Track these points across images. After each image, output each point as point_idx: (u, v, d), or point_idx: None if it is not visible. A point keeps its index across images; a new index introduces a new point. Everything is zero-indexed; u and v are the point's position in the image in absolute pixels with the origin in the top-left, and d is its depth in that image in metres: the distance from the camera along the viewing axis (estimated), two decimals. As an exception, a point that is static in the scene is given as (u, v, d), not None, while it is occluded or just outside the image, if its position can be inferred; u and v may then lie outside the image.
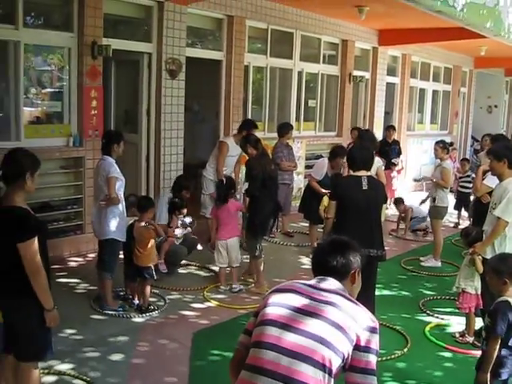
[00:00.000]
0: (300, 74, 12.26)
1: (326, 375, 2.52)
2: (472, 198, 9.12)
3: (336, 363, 2.55)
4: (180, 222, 7.90)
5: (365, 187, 5.77)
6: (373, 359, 2.61)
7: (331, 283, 2.79)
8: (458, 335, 6.14)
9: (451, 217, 11.42)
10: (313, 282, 2.82)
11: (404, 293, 7.62)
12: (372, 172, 7.85)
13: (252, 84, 11.23)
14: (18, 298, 3.90)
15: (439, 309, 6.98)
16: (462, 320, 6.27)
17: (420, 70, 16.94)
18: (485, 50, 15.58)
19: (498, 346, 4.10)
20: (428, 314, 6.80)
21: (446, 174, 8.75)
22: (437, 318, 6.72)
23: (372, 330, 2.64)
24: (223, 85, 10.36)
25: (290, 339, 2.57)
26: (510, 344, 4.16)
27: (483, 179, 7.26)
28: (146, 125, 9.16)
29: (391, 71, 15.44)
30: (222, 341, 5.77)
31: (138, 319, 6.25)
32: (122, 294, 6.83)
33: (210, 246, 7.76)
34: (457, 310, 6.44)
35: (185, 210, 7.91)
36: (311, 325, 2.59)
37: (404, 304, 7.14)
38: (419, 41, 14.17)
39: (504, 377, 4.20)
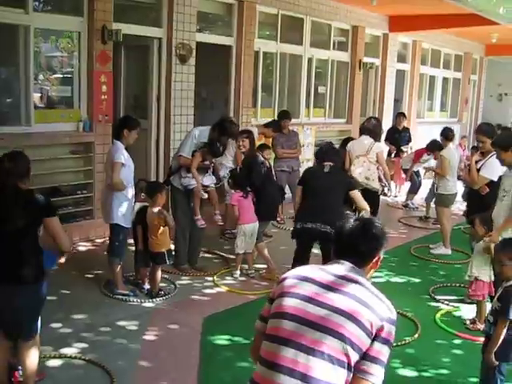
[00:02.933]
0: (310, 60, 12.21)
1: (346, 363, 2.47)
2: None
3: (354, 357, 2.48)
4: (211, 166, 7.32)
5: (326, 170, 6.33)
6: (385, 350, 2.54)
7: (351, 270, 2.67)
8: (468, 322, 6.11)
9: (462, 205, 11.37)
10: (332, 268, 2.69)
11: (414, 280, 7.58)
12: (372, 156, 7.90)
13: (262, 70, 11.18)
14: (35, 283, 4.13)
15: (449, 296, 6.96)
16: (473, 307, 6.25)
17: (430, 56, 16.84)
18: (496, 37, 15.49)
19: (504, 329, 4.16)
20: (438, 301, 6.78)
21: (442, 162, 8.75)
22: (447, 304, 6.70)
23: (390, 321, 2.56)
24: (233, 71, 10.33)
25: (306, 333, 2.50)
26: None
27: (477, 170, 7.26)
28: (156, 110, 9.14)
29: (401, 58, 15.36)
30: (232, 326, 5.78)
31: (148, 304, 6.25)
32: (132, 278, 6.83)
33: (226, 232, 7.75)
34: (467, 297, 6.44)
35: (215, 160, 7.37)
36: (327, 319, 2.50)
37: (414, 291, 7.12)
38: (430, 27, 14.08)
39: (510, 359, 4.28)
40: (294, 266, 5.86)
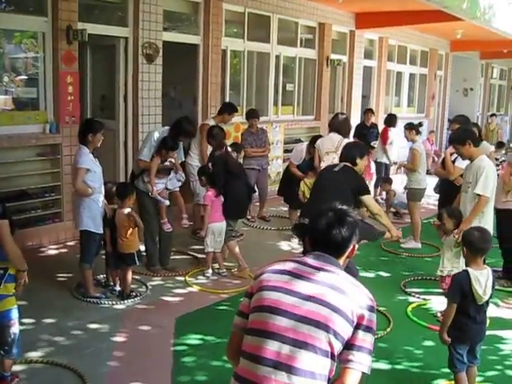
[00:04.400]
0: (277, 57, 12.22)
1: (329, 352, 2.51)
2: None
3: (337, 346, 2.51)
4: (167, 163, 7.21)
5: (336, 169, 5.89)
6: (369, 338, 2.58)
7: (328, 261, 2.69)
8: (439, 315, 6.17)
9: (430, 198, 11.49)
10: (309, 260, 2.70)
11: (385, 274, 7.65)
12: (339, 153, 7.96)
13: (229, 68, 11.16)
14: None
15: (420, 289, 7.03)
16: (444, 300, 6.29)
17: (397, 53, 16.97)
18: (461, 33, 15.64)
19: (453, 311, 4.37)
20: (409, 295, 6.85)
21: (412, 156, 8.85)
22: (418, 298, 6.77)
23: (370, 309, 2.60)
24: (200, 69, 10.27)
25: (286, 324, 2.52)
26: (471, 314, 4.38)
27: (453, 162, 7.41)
28: (124, 110, 9.06)
29: (368, 54, 15.44)
30: (204, 325, 5.77)
31: (120, 306, 6.20)
32: (103, 281, 6.77)
33: (197, 231, 7.74)
34: (438, 290, 6.50)
35: (174, 156, 7.24)
36: (309, 309, 2.52)
37: (385, 285, 7.17)
38: (396, 24, 14.16)
39: (465, 343, 4.45)
40: None
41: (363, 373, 2.56)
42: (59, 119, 7.97)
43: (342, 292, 2.57)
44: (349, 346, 2.54)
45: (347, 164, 5.92)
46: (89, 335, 5.47)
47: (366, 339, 2.56)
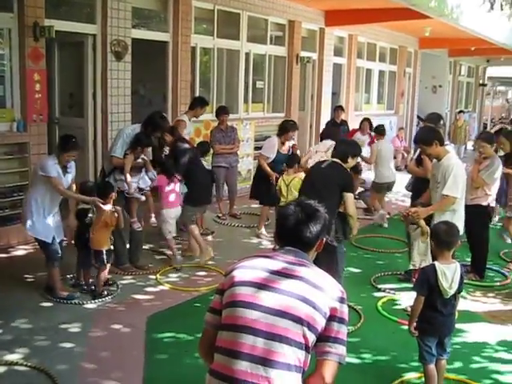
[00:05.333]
0: (247, 55, 12.21)
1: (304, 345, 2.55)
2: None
3: (311, 338, 2.55)
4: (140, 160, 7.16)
5: (323, 166, 6.02)
6: (343, 329, 2.63)
7: (298, 255, 2.73)
8: (409, 309, 6.21)
9: (397, 194, 11.62)
10: (280, 255, 2.74)
11: (355, 270, 7.68)
12: (328, 154, 8.16)
13: (199, 66, 11.12)
14: None
15: (391, 284, 7.09)
16: (413, 294, 6.36)
17: (366, 50, 17.08)
18: (429, 30, 15.79)
19: (420, 304, 4.45)
20: (380, 290, 6.89)
21: (371, 152, 9.34)
22: (388, 293, 6.82)
23: (342, 301, 2.65)
24: (170, 67, 10.23)
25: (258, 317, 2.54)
26: (438, 308, 4.45)
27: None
28: (93, 108, 8.98)
29: (338, 52, 15.52)
30: (176, 323, 5.75)
31: (91, 305, 6.14)
32: (72, 280, 6.71)
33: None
34: (408, 285, 6.56)
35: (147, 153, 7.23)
36: (282, 303, 2.55)
37: (356, 281, 7.20)
38: (365, 21, 14.29)
39: (433, 335, 4.51)
40: None
41: (340, 363, 2.62)
42: (27, 117, 7.86)
43: (314, 286, 2.61)
44: (325, 338, 2.60)
45: (336, 160, 6.00)
46: (59, 336, 5.40)
47: (340, 331, 2.62)
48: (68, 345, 5.25)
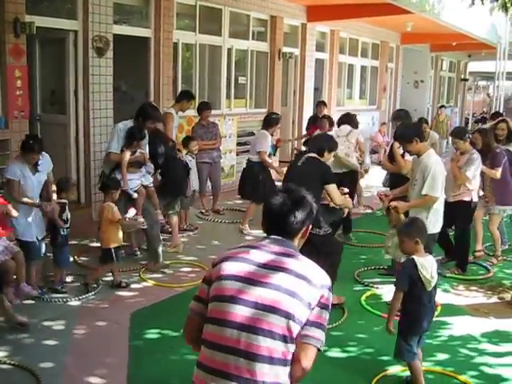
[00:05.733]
0: (229, 50, 12.19)
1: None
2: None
3: (295, 330, 2.56)
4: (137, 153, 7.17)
5: (299, 163, 6.03)
6: (324, 315, 2.64)
7: (284, 244, 2.74)
8: (391, 303, 6.26)
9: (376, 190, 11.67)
10: (266, 245, 2.74)
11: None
12: (352, 141, 8.94)
13: (181, 62, 11.09)
14: None
15: (374, 279, 7.13)
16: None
17: (348, 45, 17.12)
18: (411, 25, 15.87)
19: (399, 299, 4.49)
20: (363, 284, 6.93)
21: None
22: (372, 287, 6.86)
23: (327, 288, 2.67)
24: (152, 63, 10.19)
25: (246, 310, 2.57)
26: (424, 302, 4.50)
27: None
28: (74, 105, 8.92)
29: (320, 47, 15.53)
30: (160, 320, 5.76)
31: (75, 303, 6.12)
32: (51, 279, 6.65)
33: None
34: (391, 279, 6.58)
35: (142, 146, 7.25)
36: (267, 297, 2.57)
37: (340, 275, 7.19)
38: (347, 17, 14.29)
39: (418, 333, 4.58)
40: None
41: (318, 350, 2.62)
42: (8, 114, 7.80)
43: (301, 277, 2.62)
44: (306, 322, 2.60)
45: (311, 155, 6.01)
46: (43, 333, 5.39)
47: (321, 316, 2.63)
48: (51, 342, 5.24)
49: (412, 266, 4.45)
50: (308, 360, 2.59)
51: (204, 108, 9.70)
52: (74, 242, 7.32)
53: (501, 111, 16.77)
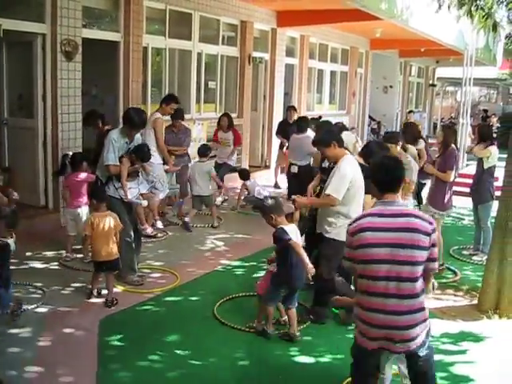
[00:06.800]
0: (199, 55, 12.20)
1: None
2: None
3: (424, 257, 3.71)
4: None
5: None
6: (436, 250, 3.80)
7: (399, 203, 3.84)
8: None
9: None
10: (387, 208, 3.77)
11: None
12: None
13: (151, 66, 11.05)
14: None
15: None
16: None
17: (318, 51, 17.23)
18: (380, 31, 16.05)
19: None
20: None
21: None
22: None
23: (433, 230, 3.73)
24: (121, 67, 10.13)
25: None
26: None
27: None
28: (43, 109, 8.82)
29: (290, 52, 15.61)
30: (129, 326, 5.72)
31: (42, 309, 6.04)
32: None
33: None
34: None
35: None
36: (405, 255, 3.62)
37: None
38: (317, 22, 14.40)
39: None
40: None
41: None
42: (-26, 118, 7.71)
43: (420, 231, 3.66)
44: (429, 259, 3.74)
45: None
46: (9, 341, 5.30)
47: (435, 251, 3.80)
48: (18, 350, 5.16)
49: (283, 233, 5.35)
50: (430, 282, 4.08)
51: (177, 117, 9.63)
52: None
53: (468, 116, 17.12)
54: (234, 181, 12.01)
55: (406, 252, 3.61)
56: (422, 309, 3.73)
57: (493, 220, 7.22)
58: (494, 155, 8.33)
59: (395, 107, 23.53)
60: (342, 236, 5.24)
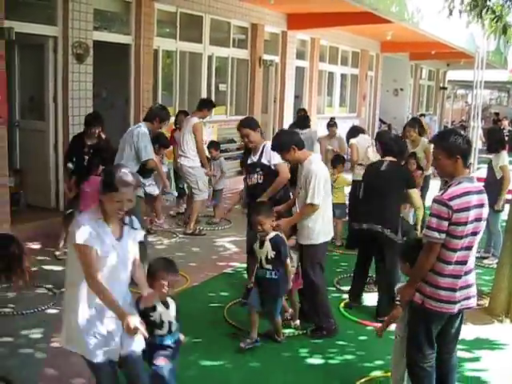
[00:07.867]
0: (210, 58, 12.22)
1: None
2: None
3: None
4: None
5: (383, 168, 6.37)
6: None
7: (473, 179, 4.12)
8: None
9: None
10: (473, 185, 4.02)
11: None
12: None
13: (162, 69, 11.08)
14: None
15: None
16: (372, 296, 6.45)
17: (328, 53, 17.22)
18: (391, 34, 16.01)
19: None
20: (343, 292, 6.94)
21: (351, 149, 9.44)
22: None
23: None
24: (132, 70, 10.19)
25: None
26: None
27: None
28: (54, 112, 8.88)
29: (300, 55, 15.61)
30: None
31: (52, 310, 6.06)
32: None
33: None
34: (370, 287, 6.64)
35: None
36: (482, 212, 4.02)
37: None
38: (327, 25, 14.40)
39: None
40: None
41: None
42: (-14, 120, 7.74)
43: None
44: None
45: (392, 159, 6.32)
46: (20, 342, 5.31)
47: None
48: (29, 351, 5.17)
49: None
50: None
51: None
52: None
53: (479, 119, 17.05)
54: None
55: (481, 224, 4.04)
56: None
57: (503, 224, 7.19)
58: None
59: (406, 110, 23.46)
60: (318, 239, 5.61)
